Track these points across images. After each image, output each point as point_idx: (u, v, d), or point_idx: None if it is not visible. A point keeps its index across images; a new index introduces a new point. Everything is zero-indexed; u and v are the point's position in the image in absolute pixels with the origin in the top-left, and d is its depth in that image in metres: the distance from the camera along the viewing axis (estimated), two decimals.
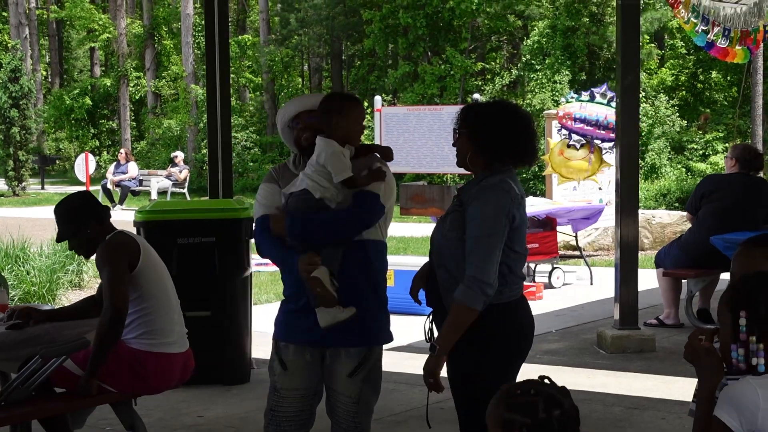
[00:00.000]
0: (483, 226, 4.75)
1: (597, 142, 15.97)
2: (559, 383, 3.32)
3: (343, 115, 5.23)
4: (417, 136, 15.38)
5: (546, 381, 3.30)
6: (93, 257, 6.48)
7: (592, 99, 16.57)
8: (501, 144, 4.93)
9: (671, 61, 35.52)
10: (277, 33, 43.45)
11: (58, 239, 6.53)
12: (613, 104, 15.88)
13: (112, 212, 7.01)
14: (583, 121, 16.21)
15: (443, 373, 4.84)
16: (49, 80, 48.78)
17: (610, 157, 14.79)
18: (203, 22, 9.43)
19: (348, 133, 5.24)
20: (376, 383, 5.51)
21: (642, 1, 11.87)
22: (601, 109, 16.25)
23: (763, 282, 3.63)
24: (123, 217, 13.05)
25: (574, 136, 16.41)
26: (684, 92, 35.62)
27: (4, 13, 46.87)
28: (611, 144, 15.29)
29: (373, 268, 5.44)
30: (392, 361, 6.00)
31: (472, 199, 4.85)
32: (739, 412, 3.49)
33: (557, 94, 31.26)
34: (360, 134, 5.42)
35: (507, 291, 4.84)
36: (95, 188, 28.51)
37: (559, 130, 16.62)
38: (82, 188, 25.75)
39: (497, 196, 4.81)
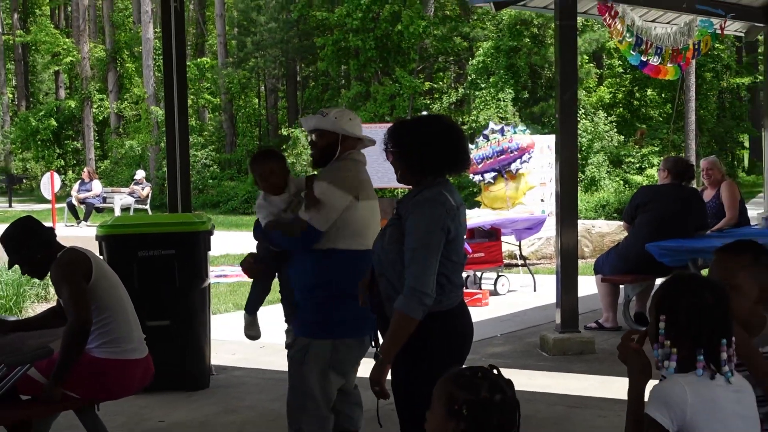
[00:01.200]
0: (419, 239, 4.76)
1: (510, 169, 16.34)
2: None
3: (257, 172, 6.16)
4: (369, 152, 15.37)
5: (494, 371, 3.35)
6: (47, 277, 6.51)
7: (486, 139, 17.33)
8: (428, 157, 4.92)
9: (609, 79, 35.81)
10: (234, 56, 43.43)
11: (9, 266, 6.53)
12: (510, 132, 16.39)
13: (77, 227, 7.00)
14: (490, 156, 16.66)
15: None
16: (16, 103, 48.44)
17: (535, 176, 15.11)
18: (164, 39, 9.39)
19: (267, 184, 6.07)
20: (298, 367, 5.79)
21: (580, 23, 11.95)
22: (504, 138, 16.83)
23: (686, 287, 3.67)
24: (87, 233, 12.94)
25: (486, 176, 16.78)
26: (621, 109, 35.91)
27: None
28: (522, 161, 15.62)
29: (309, 273, 5.77)
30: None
31: (408, 212, 4.85)
32: (668, 409, 3.53)
33: (501, 111, 31.45)
34: (278, 178, 6.06)
35: (446, 300, 4.85)
36: (61, 205, 28.48)
37: (472, 179, 17.27)
38: (46, 206, 25.62)
39: (432, 209, 4.80)
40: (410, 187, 5.06)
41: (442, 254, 4.80)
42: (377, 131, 16.67)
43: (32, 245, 6.34)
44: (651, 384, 3.77)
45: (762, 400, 4.05)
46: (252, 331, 6.47)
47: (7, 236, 6.37)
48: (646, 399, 3.61)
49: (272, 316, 6.74)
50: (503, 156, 17.17)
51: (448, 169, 5.00)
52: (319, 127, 5.93)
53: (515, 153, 17.10)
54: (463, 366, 3.67)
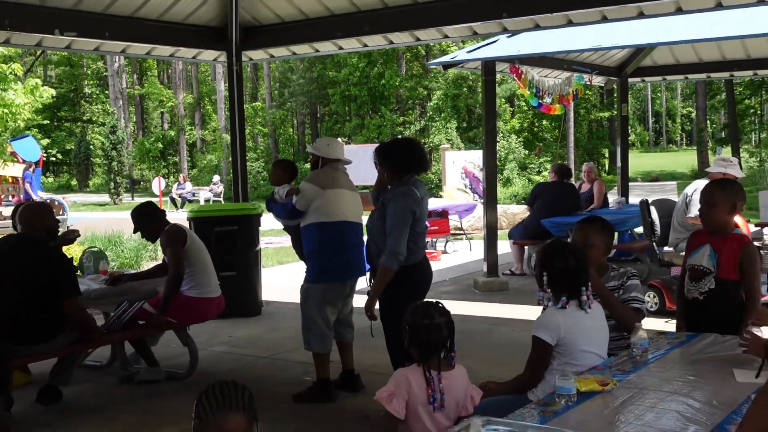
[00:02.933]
0: (396, 218, 4.82)
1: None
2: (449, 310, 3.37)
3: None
4: (363, 163, 15.37)
5: (438, 304, 3.35)
6: (157, 241, 6.51)
7: None
8: (400, 164, 5.00)
9: (518, 114, 35.73)
10: (276, 101, 43.29)
11: (134, 232, 6.51)
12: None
13: (175, 213, 6.98)
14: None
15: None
16: (135, 132, 48.14)
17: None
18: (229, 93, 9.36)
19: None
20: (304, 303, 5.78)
21: (499, 78, 11.96)
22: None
23: (558, 253, 3.68)
24: (182, 216, 12.93)
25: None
26: (526, 133, 35.81)
27: (106, 92, 46.26)
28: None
29: (305, 241, 5.82)
30: (355, 301, 6.04)
31: (389, 201, 4.93)
32: (549, 330, 3.55)
33: (449, 135, 31.50)
34: (277, 175, 6.24)
35: (413, 257, 4.91)
36: (165, 198, 28.42)
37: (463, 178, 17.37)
38: (156, 199, 25.51)
39: (405, 199, 4.88)
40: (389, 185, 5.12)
41: (411, 228, 4.85)
42: (368, 149, 16.70)
43: (150, 219, 6.37)
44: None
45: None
46: None
47: (135, 212, 6.42)
48: None
49: (299, 269, 6.72)
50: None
51: (413, 171, 5.03)
52: (309, 151, 6.05)
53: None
54: (423, 300, 3.68)
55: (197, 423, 2.53)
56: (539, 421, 2.78)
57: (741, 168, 8.28)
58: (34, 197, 20.91)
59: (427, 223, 12.86)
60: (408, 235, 4.83)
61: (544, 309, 3.72)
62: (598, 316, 3.71)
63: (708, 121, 44.38)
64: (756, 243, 7.31)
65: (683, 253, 4.60)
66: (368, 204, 5.70)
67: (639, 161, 42.93)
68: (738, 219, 7.90)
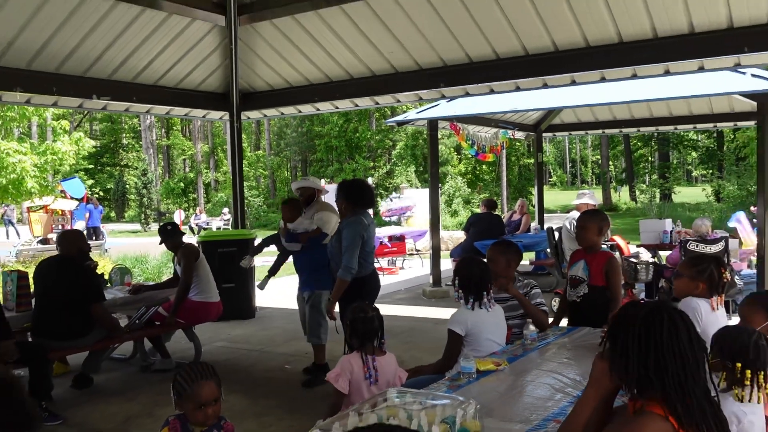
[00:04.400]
0: (349, 241, 4.88)
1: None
2: (403, 314, 3.45)
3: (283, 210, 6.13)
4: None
5: (370, 304, 3.43)
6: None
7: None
8: (351, 198, 5.07)
9: (464, 160, 35.96)
10: (275, 149, 43.31)
11: (160, 243, 6.55)
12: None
13: (192, 238, 7.01)
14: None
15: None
16: (163, 174, 47.69)
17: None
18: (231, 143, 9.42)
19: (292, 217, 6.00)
20: (317, 307, 5.75)
21: (447, 132, 12.29)
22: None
23: (467, 265, 3.79)
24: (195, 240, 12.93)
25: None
26: (470, 175, 36.02)
27: (140, 142, 45.95)
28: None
29: (314, 258, 5.75)
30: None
31: (343, 227, 4.99)
32: (460, 324, 3.66)
33: (409, 176, 31.67)
34: (291, 214, 6.03)
35: (363, 271, 4.97)
36: (184, 227, 28.24)
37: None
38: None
39: (354, 226, 4.94)
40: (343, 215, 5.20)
41: (361, 248, 4.93)
42: None
43: (174, 234, 6.40)
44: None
45: (520, 317, 4.19)
46: (264, 284, 6.50)
47: (163, 228, 6.48)
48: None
49: (285, 282, 6.76)
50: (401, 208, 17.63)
51: (362, 205, 5.10)
52: (303, 185, 6.09)
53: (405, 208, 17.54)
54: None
55: (177, 400, 2.60)
56: (445, 392, 2.84)
57: (593, 197, 8.68)
58: (96, 226, 21.13)
59: (388, 243, 12.88)
60: (359, 254, 4.93)
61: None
62: (499, 314, 3.84)
63: (611, 166, 45.04)
64: (633, 260, 7.55)
65: None
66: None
67: (558, 197, 43.23)
68: (620, 241, 8.18)
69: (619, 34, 6.45)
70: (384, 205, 18.11)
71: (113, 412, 5.20)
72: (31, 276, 5.64)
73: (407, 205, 17.55)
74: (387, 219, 17.48)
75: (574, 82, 7.37)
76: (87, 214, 22.02)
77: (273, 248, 6.57)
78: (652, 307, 1.91)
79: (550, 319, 4.38)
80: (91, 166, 40.35)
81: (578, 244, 4.41)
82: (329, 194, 6.17)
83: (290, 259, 6.21)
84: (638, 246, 9.08)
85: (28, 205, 20.25)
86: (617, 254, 7.21)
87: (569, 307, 4.36)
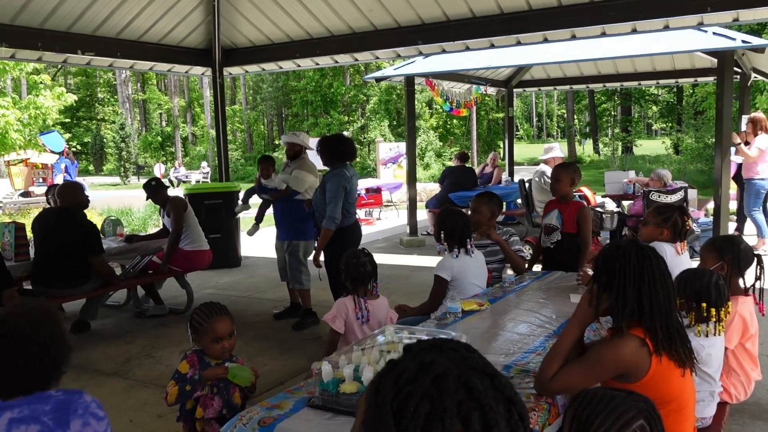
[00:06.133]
0: (332, 193, 4.95)
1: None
2: (382, 261, 3.55)
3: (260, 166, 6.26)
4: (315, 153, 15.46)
5: (364, 250, 3.54)
6: (159, 210, 6.56)
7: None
8: (332, 152, 5.12)
9: (435, 115, 35.93)
10: (251, 104, 42.71)
11: (146, 199, 6.57)
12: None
13: (173, 191, 7.02)
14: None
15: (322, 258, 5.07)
16: (140, 129, 46.79)
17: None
18: (214, 99, 9.32)
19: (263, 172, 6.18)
20: (296, 255, 5.86)
21: (419, 88, 12.24)
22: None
23: (450, 215, 3.91)
24: (179, 192, 12.84)
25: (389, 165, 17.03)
26: (441, 129, 36.07)
27: (115, 96, 44.87)
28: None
29: (292, 210, 5.87)
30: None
31: (326, 180, 5.06)
32: (446, 270, 3.79)
33: (383, 131, 31.59)
34: (267, 171, 6.21)
35: (346, 221, 5.05)
36: (165, 180, 27.87)
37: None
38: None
39: (338, 178, 5.00)
40: (328, 168, 5.26)
41: (344, 199, 5.01)
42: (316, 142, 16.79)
43: (159, 188, 6.41)
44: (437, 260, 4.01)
45: (498, 261, 4.36)
46: (253, 231, 6.58)
47: (148, 184, 6.45)
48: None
49: (268, 233, 6.84)
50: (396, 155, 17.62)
51: (344, 158, 5.15)
52: (292, 141, 6.09)
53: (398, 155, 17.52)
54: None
55: (194, 336, 2.73)
56: (435, 330, 3.01)
57: (561, 150, 8.84)
58: (72, 180, 20.61)
59: (364, 195, 13.01)
60: (342, 205, 5.02)
61: (442, 256, 3.98)
62: (480, 260, 3.99)
63: (576, 120, 45.34)
64: (599, 209, 7.78)
65: None
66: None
67: (525, 150, 43.51)
68: (587, 191, 8.39)
69: None
70: (382, 154, 18.23)
71: (113, 354, 5.32)
72: (28, 226, 5.65)
73: (401, 153, 17.69)
74: (384, 167, 17.56)
75: (546, 40, 7.43)
76: (63, 167, 21.63)
77: (256, 198, 6.65)
78: (640, 246, 2.08)
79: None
80: (67, 120, 39.36)
81: (552, 194, 4.56)
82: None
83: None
84: (603, 196, 9.32)
85: (6, 159, 19.85)
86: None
87: (543, 252, 4.54)
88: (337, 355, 2.36)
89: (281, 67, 9.48)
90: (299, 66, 9.39)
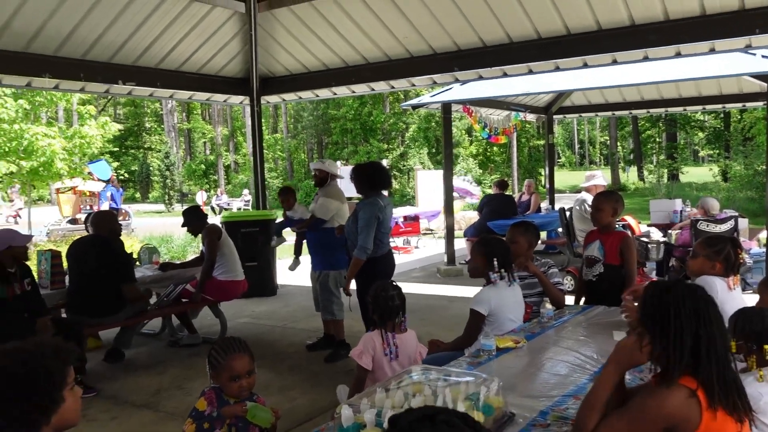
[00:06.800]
0: (364, 222, 4.86)
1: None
2: (418, 291, 3.43)
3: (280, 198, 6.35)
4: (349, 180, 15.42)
5: (392, 282, 3.41)
6: (198, 237, 6.56)
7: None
8: (366, 181, 5.05)
9: (475, 142, 35.79)
10: (291, 132, 43.27)
11: (182, 226, 6.55)
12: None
13: (214, 218, 7.02)
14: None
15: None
16: (184, 157, 47.81)
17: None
18: (251, 127, 9.40)
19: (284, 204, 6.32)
20: (326, 286, 5.80)
21: (459, 114, 12.12)
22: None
23: (492, 244, 3.77)
24: (218, 220, 12.98)
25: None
26: (481, 157, 35.92)
27: (162, 126, 46.02)
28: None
29: (323, 239, 5.79)
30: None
31: (359, 209, 4.97)
32: (484, 304, 3.63)
33: (422, 159, 31.56)
34: (288, 203, 6.37)
35: (378, 251, 4.96)
36: (207, 207, 28.36)
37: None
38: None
39: (370, 207, 4.92)
40: (361, 196, 5.17)
41: (377, 229, 4.91)
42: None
43: (196, 218, 6.41)
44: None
45: (537, 294, 4.17)
46: (294, 266, 6.53)
47: (186, 212, 6.46)
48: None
49: (303, 262, 6.77)
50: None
51: (378, 188, 5.07)
52: (318, 167, 6.06)
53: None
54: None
55: (212, 372, 2.62)
56: (466, 369, 2.83)
57: (603, 177, 8.61)
58: (118, 207, 21.12)
59: (401, 223, 12.90)
60: (375, 235, 4.91)
61: (483, 287, 3.81)
62: (518, 294, 3.82)
63: (620, 146, 44.62)
64: (644, 239, 7.49)
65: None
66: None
67: (567, 177, 42.94)
68: (631, 220, 8.11)
69: (631, 17, 6.33)
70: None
71: (144, 385, 5.26)
72: (64, 255, 5.68)
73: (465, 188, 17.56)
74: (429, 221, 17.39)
75: (585, 65, 7.26)
76: (109, 194, 22.13)
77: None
78: (691, 287, 1.89)
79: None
80: (116, 149, 40.45)
81: (593, 224, 4.37)
82: (346, 180, 6.18)
83: None
84: (649, 225, 9.00)
85: (57, 187, 20.41)
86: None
87: (585, 286, 4.33)
88: (361, 396, 2.22)
89: (318, 95, 9.51)
90: (335, 94, 9.40)
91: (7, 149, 10.77)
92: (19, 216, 24.57)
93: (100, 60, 7.35)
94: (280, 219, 6.66)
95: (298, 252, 6.46)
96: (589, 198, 8.34)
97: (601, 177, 8.51)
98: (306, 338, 6.44)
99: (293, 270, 6.56)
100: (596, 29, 6.55)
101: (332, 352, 5.79)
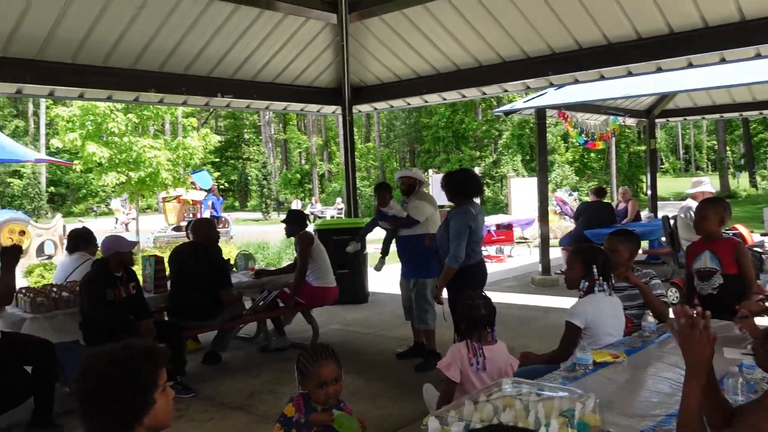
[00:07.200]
0: (456, 231, 4.79)
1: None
2: (512, 302, 3.34)
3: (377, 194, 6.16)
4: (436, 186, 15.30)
5: (481, 293, 3.33)
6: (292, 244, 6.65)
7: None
8: (457, 189, 4.97)
9: (571, 148, 34.88)
10: (384, 141, 43.74)
11: (282, 221, 6.63)
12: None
13: (309, 226, 7.08)
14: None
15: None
16: (281, 166, 49.33)
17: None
18: (343, 136, 9.55)
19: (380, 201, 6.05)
20: (423, 294, 5.72)
21: (554, 120, 11.75)
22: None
23: (589, 253, 3.61)
24: (312, 227, 13.35)
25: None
26: (577, 163, 34.94)
27: (259, 137, 47.73)
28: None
29: (417, 246, 5.72)
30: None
31: (451, 217, 4.90)
32: (579, 316, 3.49)
33: (515, 166, 31.02)
34: (384, 200, 6.09)
35: (470, 260, 4.87)
36: None
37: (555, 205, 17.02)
38: None
39: (462, 216, 4.84)
40: (452, 204, 5.10)
41: (469, 237, 4.82)
42: None
43: (296, 221, 6.48)
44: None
45: (638, 307, 3.96)
46: (380, 266, 6.44)
47: (291, 213, 6.60)
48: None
49: (395, 269, 6.77)
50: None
51: (469, 196, 5.00)
52: (406, 174, 6.03)
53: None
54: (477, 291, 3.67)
55: (300, 378, 2.64)
56: (560, 383, 2.71)
57: (711, 184, 8.09)
58: (218, 215, 22.12)
59: (494, 231, 12.72)
60: (466, 243, 4.83)
61: (579, 297, 3.66)
62: (617, 306, 3.63)
63: (729, 151, 42.13)
64: (758, 249, 6.98)
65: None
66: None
67: (671, 184, 40.96)
68: (743, 229, 7.59)
69: (740, 11, 5.94)
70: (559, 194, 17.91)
71: (239, 388, 5.41)
72: (166, 260, 5.94)
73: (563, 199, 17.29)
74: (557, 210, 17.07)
75: (690, 65, 6.89)
76: (210, 203, 23.17)
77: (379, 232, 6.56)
78: None
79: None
80: (216, 160, 42.38)
81: (697, 233, 4.11)
82: (433, 185, 6.12)
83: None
84: (762, 235, 8.40)
85: (163, 196, 21.57)
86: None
87: (706, 300, 4.04)
88: (448, 408, 2.16)
89: (409, 103, 9.53)
90: (426, 101, 9.39)
91: (117, 161, 11.49)
92: (128, 224, 26.15)
93: (200, 74, 7.70)
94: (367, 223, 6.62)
95: (385, 252, 6.35)
96: (695, 205, 7.90)
97: (709, 183, 8.02)
98: (396, 346, 6.42)
99: (379, 270, 6.48)
100: (702, 26, 6.19)
101: (423, 361, 5.74)
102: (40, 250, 14.01)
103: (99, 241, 5.87)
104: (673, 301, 7.64)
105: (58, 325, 5.01)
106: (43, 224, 16.61)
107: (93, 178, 12.90)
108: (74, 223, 21.27)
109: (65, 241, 6.73)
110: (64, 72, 6.64)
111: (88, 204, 39.02)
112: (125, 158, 11.40)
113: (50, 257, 13.31)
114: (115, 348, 1.74)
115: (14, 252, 4.32)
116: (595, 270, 3.50)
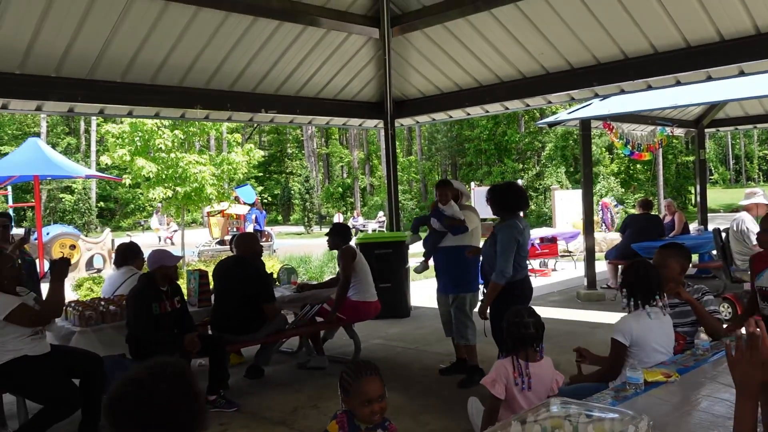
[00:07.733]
0: (503, 245, 4.70)
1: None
2: (557, 316, 3.27)
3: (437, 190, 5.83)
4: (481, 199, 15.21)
5: (530, 309, 3.26)
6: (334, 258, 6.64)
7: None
8: (504, 202, 4.89)
9: (616, 160, 34.24)
10: (426, 154, 43.71)
11: (326, 234, 6.65)
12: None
13: (351, 240, 7.03)
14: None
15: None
16: (323, 180, 49.76)
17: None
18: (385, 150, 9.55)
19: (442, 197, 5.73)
20: (463, 309, 5.64)
21: (599, 131, 11.52)
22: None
23: (638, 270, 3.51)
24: (354, 241, 13.33)
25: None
26: (623, 175, 34.26)
27: (302, 151, 48.25)
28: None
29: (458, 258, 5.62)
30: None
31: (498, 231, 4.81)
32: (624, 333, 3.39)
33: (559, 178, 30.58)
34: (446, 197, 5.73)
35: (517, 275, 4.76)
36: None
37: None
38: None
39: (509, 230, 4.75)
40: (498, 218, 5.02)
41: (516, 252, 4.74)
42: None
43: (340, 234, 6.47)
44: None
45: (690, 324, 3.83)
46: (422, 269, 6.14)
47: (336, 225, 6.66)
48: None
49: (429, 286, 6.70)
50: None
51: (515, 209, 4.91)
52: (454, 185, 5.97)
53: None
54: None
55: (344, 396, 2.60)
56: (610, 404, 2.64)
57: (765, 195, 7.83)
58: (261, 229, 22.38)
59: (538, 245, 12.54)
60: (513, 258, 4.76)
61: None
62: (667, 323, 3.51)
63: None
64: None
65: (749, 272, 4.27)
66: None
67: (722, 196, 39.86)
68: None
69: None
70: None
71: (282, 402, 5.40)
72: (210, 274, 6.01)
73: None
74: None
75: (742, 73, 6.68)
76: (254, 217, 23.45)
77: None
78: None
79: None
80: (260, 174, 43.01)
81: (761, 247, 3.94)
82: (482, 201, 6.02)
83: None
84: None
85: (207, 210, 21.94)
86: None
87: (766, 322, 3.87)
88: (495, 430, 2.11)
89: (451, 116, 9.49)
90: (469, 114, 9.33)
91: (164, 176, 11.74)
92: (172, 238, 26.66)
93: (244, 90, 7.81)
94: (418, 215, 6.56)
95: (428, 255, 6.05)
96: (748, 218, 7.61)
97: (762, 195, 7.76)
98: (439, 362, 6.35)
99: (419, 272, 6.28)
100: (753, 33, 6.01)
101: (466, 377, 5.65)
102: (89, 263, 14.40)
103: (146, 255, 5.96)
104: (726, 317, 7.39)
105: (105, 338, 5.09)
106: (93, 238, 17.04)
107: (141, 193, 13.19)
108: (122, 238, 21.78)
109: (113, 255, 6.88)
110: (114, 91, 6.82)
111: (136, 218, 40.00)
112: (172, 174, 11.63)
113: (99, 271, 13.65)
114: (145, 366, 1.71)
115: (63, 265, 4.42)
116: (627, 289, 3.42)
